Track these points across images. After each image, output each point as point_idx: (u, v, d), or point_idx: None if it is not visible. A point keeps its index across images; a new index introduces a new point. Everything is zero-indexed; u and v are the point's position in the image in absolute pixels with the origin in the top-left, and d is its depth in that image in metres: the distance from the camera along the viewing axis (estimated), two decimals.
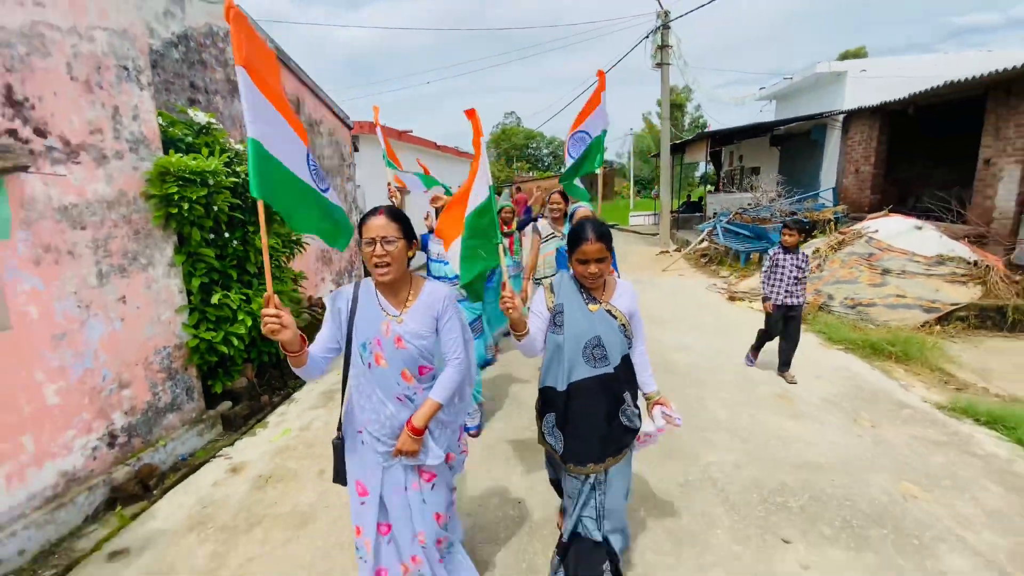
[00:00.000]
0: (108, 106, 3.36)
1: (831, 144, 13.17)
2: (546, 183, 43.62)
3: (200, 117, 4.35)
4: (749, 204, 11.65)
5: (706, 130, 18.43)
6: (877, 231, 7.16)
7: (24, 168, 2.80)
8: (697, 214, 18.52)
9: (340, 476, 2.03)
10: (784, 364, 4.84)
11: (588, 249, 1.98)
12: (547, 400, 2.18)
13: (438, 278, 3.55)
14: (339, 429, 2.03)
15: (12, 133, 2.84)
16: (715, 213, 13.07)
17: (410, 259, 1.92)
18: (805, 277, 4.64)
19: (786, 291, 4.63)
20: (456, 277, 3.12)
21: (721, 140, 15.28)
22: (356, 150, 9.32)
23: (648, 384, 2.25)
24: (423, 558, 1.98)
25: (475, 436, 3.90)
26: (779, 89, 15.44)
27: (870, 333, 5.75)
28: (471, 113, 2.07)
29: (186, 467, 3.74)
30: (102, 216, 3.34)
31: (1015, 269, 6.76)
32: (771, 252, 4.76)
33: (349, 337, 1.89)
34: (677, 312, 7.25)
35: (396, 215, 1.85)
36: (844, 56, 38.97)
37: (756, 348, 5.12)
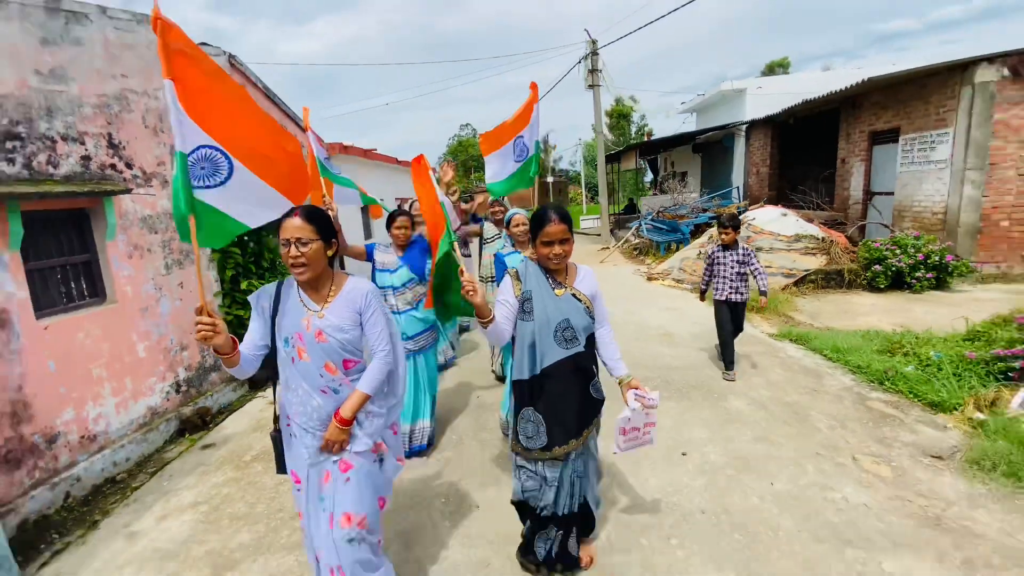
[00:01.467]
0: (167, 145, 4.69)
1: (738, 150, 15.36)
2: (520, 193, 45.20)
3: None
4: (670, 204, 13.59)
5: (642, 139, 20.53)
6: (755, 218, 9.07)
7: (127, 191, 4.12)
8: (636, 215, 20.61)
9: (281, 467, 2.11)
10: (731, 361, 4.72)
11: (552, 231, 2.02)
12: (522, 392, 2.19)
13: (383, 287, 3.58)
14: (275, 422, 2.12)
15: (113, 167, 4.16)
16: (645, 213, 15.01)
17: (331, 257, 1.96)
18: (755, 270, 4.55)
19: (730, 287, 4.60)
20: (402, 286, 3.59)
21: (651, 149, 17.31)
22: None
23: (618, 368, 2.25)
24: (331, 552, 1.95)
25: (424, 455, 3.71)
26: (696, 103, 17.69)
27: None
28: (418, 160, 2.43)
29: (228, 411, 5.04)
30: (166, 224, 4.65)
31: (855, 243, 8.77)
32: (710, 251, 4.78)
33: (273, 333, 1.96)
34: (606, 290, 8.90)
35: (312, 216, 1.87)
36: (770, 66, 42.69)
37: (728, 359, 4.72)
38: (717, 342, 4.93)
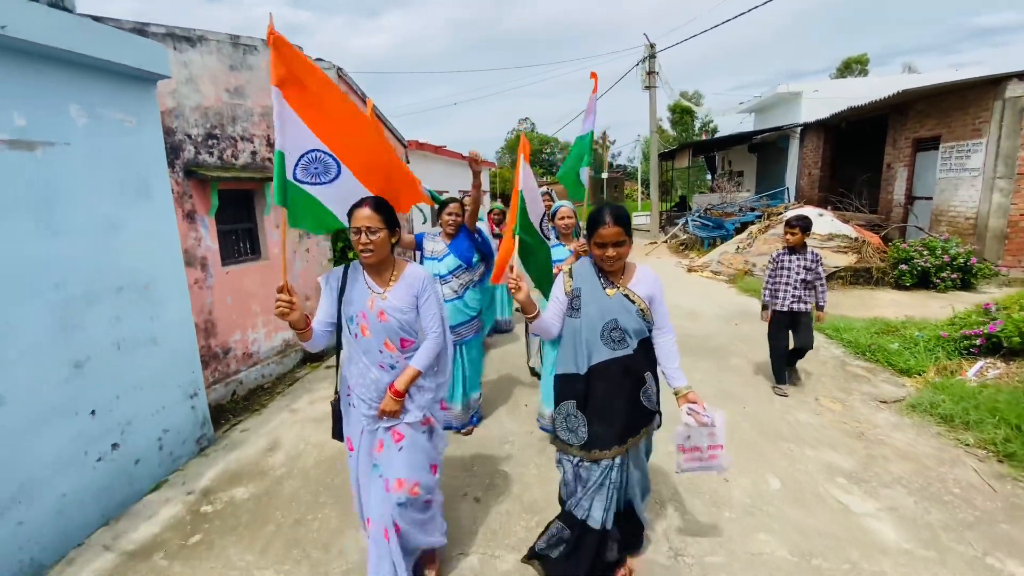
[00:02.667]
0: None
1: (792, 152, 15.69)
2: (558, 187, 46.29)
3: None
4: (718, 202, 14.23)
5: (696, 138, 20.96)
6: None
7: (271, 178, 5.59)
8: (687, 212, 21.16)
9: (338, 433, 2.32)
10: (782, 374, 4.36)
11: (605, 233, 1.98)
12: (565, 387, 2.16)
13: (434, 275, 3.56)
14: (336, 392, 2.33)
15: (270, 160, 5.63)
16: (694, 210, 15.69)
17: (394, 245, 2.14)
18: (819, 279, 4.16)
19: (794, 296, 4.15)
20: (448, 274, 3.63)
21: (704, 148, 17.85)
22: (408, 161, 12.11)
23: (675, 378, 2.16)
24: (386, 512, 2.10)
25: (467, 434, 3.84)
26: (753, 104, 18.02)
27: None
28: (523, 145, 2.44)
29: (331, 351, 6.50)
30: None
31: (888, 244, 9.28)
32: (774, 254, 4.30)
33: (340, 312, 2.13)
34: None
35: (379, 207, 2.05)
36: (847, 63, 41.33)
37: (778, 372, 4.40)
38: (774, 372, 4.45)
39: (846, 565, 2.39)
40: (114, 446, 3.20)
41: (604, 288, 2.12)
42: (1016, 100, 7.48)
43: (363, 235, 2.01)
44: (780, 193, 15.23)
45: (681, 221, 14.48)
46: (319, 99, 2.02)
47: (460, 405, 3.82)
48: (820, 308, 4.27)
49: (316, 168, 2.12)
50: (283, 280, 1.96)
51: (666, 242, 14.95)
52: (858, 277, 8.65)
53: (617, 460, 2.12)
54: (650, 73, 15.88)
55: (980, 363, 4.53)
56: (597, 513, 2.11)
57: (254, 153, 5.44)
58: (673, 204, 23.56)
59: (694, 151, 17.72)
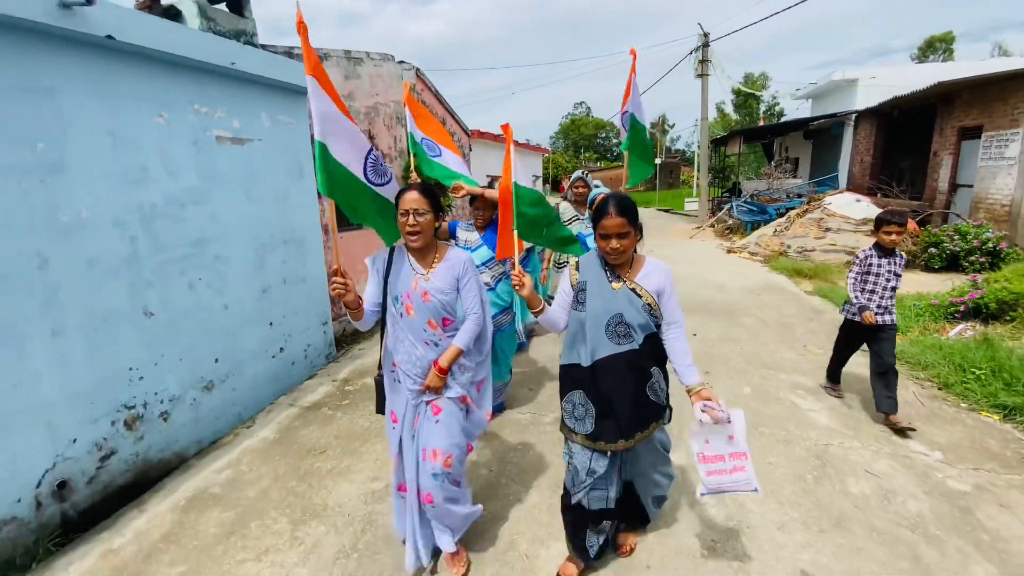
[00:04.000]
0: (391, 136, 7.53)
1: (846, 139, 15.80)
2: (612, 172, 46.83)
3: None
4: (765, 188, 14.70)
5: (772, 120, 20.91)
6: (831, 203, 10.30)
7: None
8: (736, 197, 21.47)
9: (381, 407, 2.42)
10: (887, 400, 3.55)
11: (608, 224, 1.98)
12: (570, 378, 2.18)
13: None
14: (379, 368, 2.42)
15: None
16: (742, 196, 16.17)
17: (437, 229, 2.25)
18: (897, 285, 3.60)
19: (880, 306, 3.60)
20: (482, 264, 3.52)
21: (754, 135, 18.13)
22: (470, 149, 13.43)
23: (687, 374, 2.09)
24: (420, 481, 2.24)
25: (493, 417, 3.51)
26: (809, 91, 18.07)
27: (802, 266, 9.06)
28: (506, 128, 2.30)
29: None
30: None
31: (922, 229, 9.71)
32: (861, 254, 3.70)
33: (385, 292, 2.26)
34: (688, 257, 10.83)
35: (427, 191, 2.17)
36: (930, 42, 39.12)
37: (833, 372, 4.10)
38: (828, 372, 4.14)
39: (783, 432, 3.47)
40: (281, 349, 4.67)
41: (610, 282, 2.09)
42: None
43: (411, 216, 2.11)
44: (831, 180, 15.46)
45: (727, 206, 15.06)
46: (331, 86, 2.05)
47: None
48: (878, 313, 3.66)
49: (381, 167, 2.31)
50: (336, 263, 2.05)
51: (712, 226, 15.57)
52: None
53: (621, 455, 2.19)
54: (703, 61, 16.35)
55: (961, 326, 5.31)
56: (597, 503, 2.17)
57: None
58: (726, 190, 23.81)
59: (745, 138, 18.02)
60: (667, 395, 2.21)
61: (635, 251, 2.13)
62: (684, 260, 10.55)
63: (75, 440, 2.95)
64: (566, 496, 2.25)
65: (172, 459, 3.53)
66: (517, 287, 2.04)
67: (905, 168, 12.58)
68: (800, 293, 7.51)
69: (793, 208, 12.62)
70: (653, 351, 2.11)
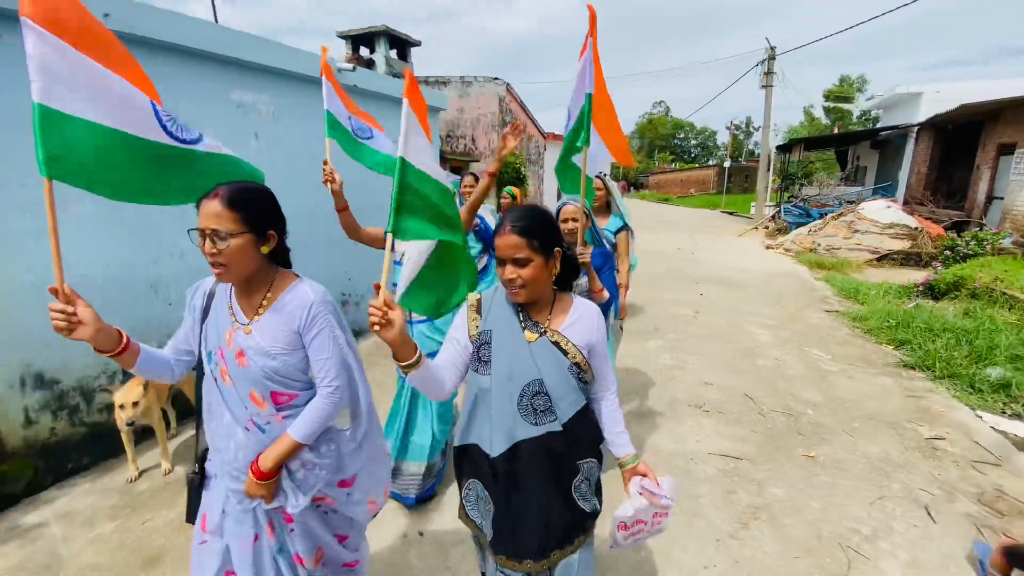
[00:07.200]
0: (488, 138, 9.91)
1: (908, 150, 16.47)
2: (684, 175, 47.36)
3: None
4: (815, 193, 15.84)
5: (866, 125, 21.45)
6: (864, 208, 11.58)
7: (476, 160, 9.39)
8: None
9: (192, 514, 1.62)
10: None
11: (500, 243, 1.39)
12: (469, 464, 1.55)
13: (395, 284, 2.45)
14: (197, 461, 1.62)
15: (473, 149, 9.45)
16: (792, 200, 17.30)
17: (267, 255, 1.43)
18: None
19: None
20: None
21: (816, 144, 19.02)
22: (544, 150, 15.66)
23: (619, 444, 1.56)
24: None
25: (414, 506, 2.72)
26: (876, 103, 18.71)
27: (824, 259, 10.52)
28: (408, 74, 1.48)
29: None
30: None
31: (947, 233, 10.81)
32: None
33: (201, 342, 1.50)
34: (726, 249, 12.50)
35: (237, 200, 1.34)
36: None
37: None
38: None
39: (734, 341, 5.43)
40: None
41: (523, 330, 1.47)
42: None
43: (207, 241, 1.31)
44: (886, 188, 16.26)
45: (775, 210, 16.31)
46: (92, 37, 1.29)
47: (421, 463, 2.71)
48: None
49: (175, 121, 1.46)
50: (57, 280, 1.21)
51: (766, 227, 16.83)
52: (909, 259, 10.46)
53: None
54: (767, 74, 17.53)
55: (915, 302, 6.88)
56: None
57: (466, 145, 9.29)
58: (790, 195, 24.53)
59: (812, 145, 18.94)
60: (600, 500, 1.59)
61: (577, 285, 1.52)
62: (722, 251, 12.26)
63: None
64: None
65: None
66: (375, 328, 1.20)
67: (956, 180, 13.43)
68: (808, 278, 9.12)
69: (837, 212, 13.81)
70: (585, 435, 1.52)
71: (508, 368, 1.44)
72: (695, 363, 4.86)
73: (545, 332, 1.47)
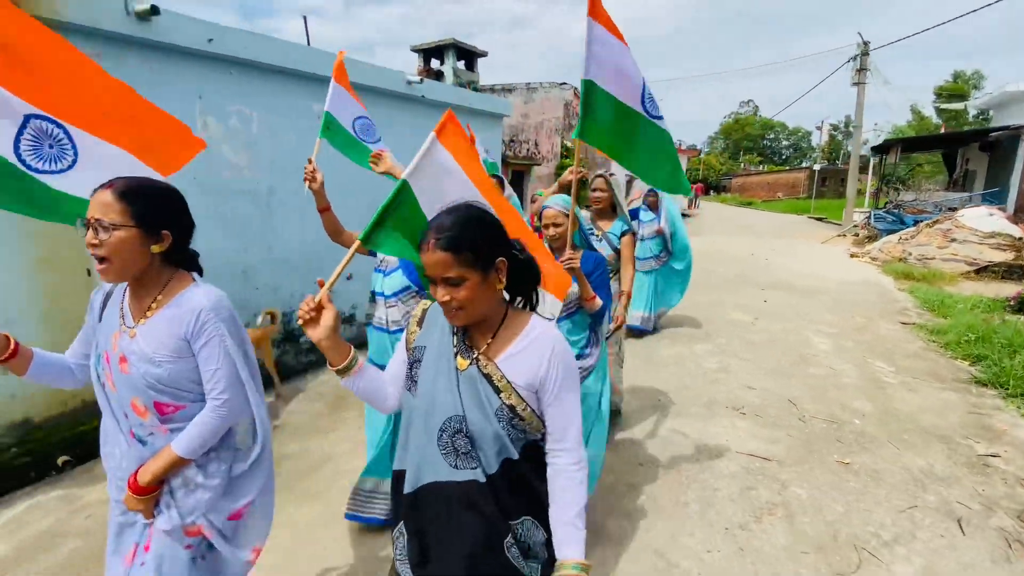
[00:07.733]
0: (551, 142, 10.15)
1: (1020, 153, 14.77)
2: (771, 177, 44.73)
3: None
4: (911, 199, 14.60)
5: (983, 124, 19.36)
6: (963, 215, 10.59)
7: (538, 163, 9.67)
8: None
9: None
10: None
11: (426, 260, 1.14)
12: (396, 496, 1.32)
13: (373, 292, 2.47)
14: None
15: (536, 152, 9.75)
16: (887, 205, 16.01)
17: (158, 254, 1.33)
18: None
19: None
20: (393, 296, 2.36)
21: (915, 146, 17.50)
22: None
23: (565, 540, 1.16)
24: None
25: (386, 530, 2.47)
26: (984, 102, 16.92)
27: (913, 269, 9.77)
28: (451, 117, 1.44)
29: None
30: (548, 180, 10.18)
31: None
32: None
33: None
34: (805, 256, 11.92)
35: (129, 193, 1.27)
36: None
37: None
38: None
39: (785, 350, 5.30)
40: None
41: (455, 354, 1.22)
42: None
43: (90, 231, 1.25)
44: (994, 195, 14.67)
45: (865, 216, 15.20)
46: (34, 54, 1.40)
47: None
48: None
49: (51, 148, 1.49)
50: None
51: (856, 235, 15.73)
52: (1011, 272, 9.47)
53: None
54: (860, 70, 16.39)
55: (1004, 317, 6.31)
56: None
57: (528, 148, 9.60)
58: (887, 201, 22.65)
59: (905, 147, 17.46)
60: (547, 559, 1.23)
61: (535, 301, 1.29)
62: (800, 258, 11.69)
63: None
64: None
65: None
66: (306, 323, 1.17)
67: None
68: (891, 288, 8.55)
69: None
70: (517, 488, 1.21)
71: (431, 396, 1.21)
72: (741, 367, 4.82)
73: (478, 361, 1.20)
